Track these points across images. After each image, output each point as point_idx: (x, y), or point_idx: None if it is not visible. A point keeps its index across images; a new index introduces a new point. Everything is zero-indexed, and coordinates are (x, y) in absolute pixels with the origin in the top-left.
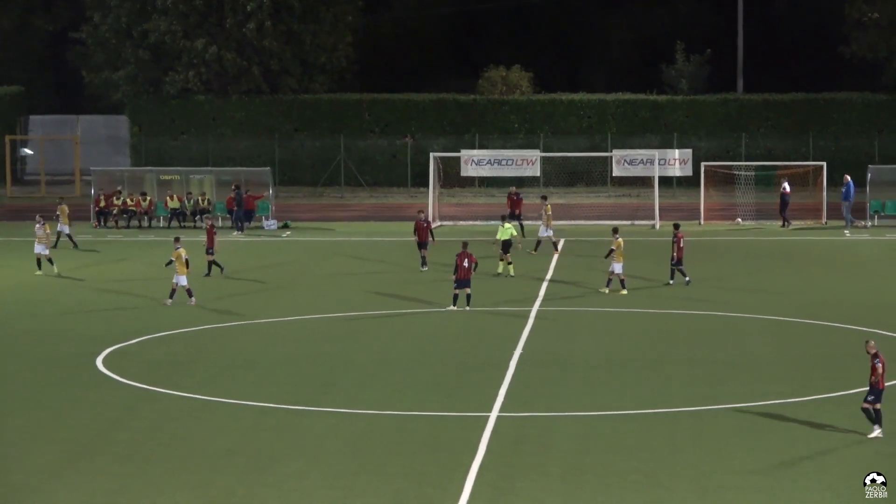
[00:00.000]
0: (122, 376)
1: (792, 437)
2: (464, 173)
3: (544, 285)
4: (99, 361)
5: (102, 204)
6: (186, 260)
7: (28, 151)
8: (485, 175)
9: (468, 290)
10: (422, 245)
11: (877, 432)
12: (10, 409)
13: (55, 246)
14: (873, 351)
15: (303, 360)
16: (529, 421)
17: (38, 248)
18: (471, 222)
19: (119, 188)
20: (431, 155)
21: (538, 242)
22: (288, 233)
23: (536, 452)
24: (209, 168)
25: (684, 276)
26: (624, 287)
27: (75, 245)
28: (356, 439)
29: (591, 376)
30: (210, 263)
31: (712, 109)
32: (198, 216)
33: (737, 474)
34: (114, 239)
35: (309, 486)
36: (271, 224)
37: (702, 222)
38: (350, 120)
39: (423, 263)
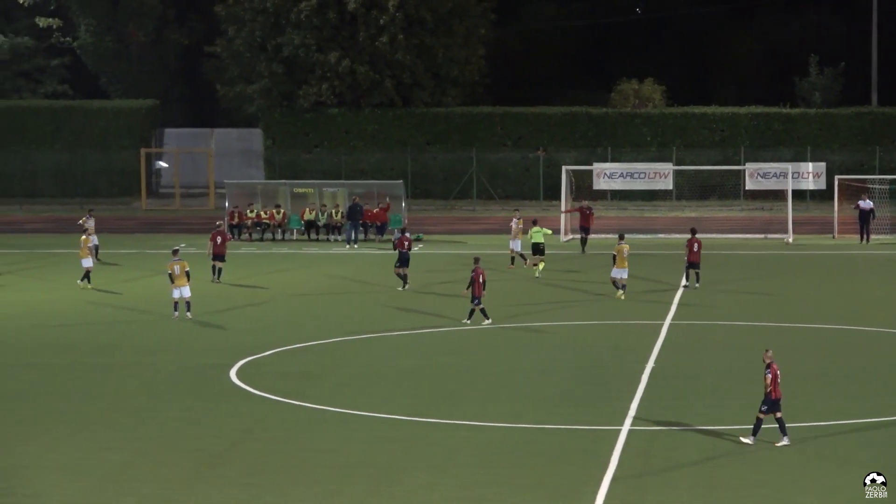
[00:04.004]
0: (254, 387)
1: None
2: (596, 187)
3: (676, 299)
4: (233, 373)
5: (236, 220)
6: (188, 272)
7: (163, 164)
8: (617, 188)
9: (482, 306)
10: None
11: (784, 441)
12: (144, 418)
13: (98, 259)
14: (768, 361)
15: (431, 372)
16: (660, 434)
17: (86, 262)
18: (602, 235)
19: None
20: (564, 168)
21: (517, 256)
22: (420, 245)
23: (667, 466)
24: (342, 181)
25: (686, 279)
26: (621, 291)
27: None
28: (485, 451)
29: (720, 389)
30: (215, 268)
31: (846, 123)
32: (331, 231)
33: (861, 488)
34: (247, 252)
35: (437, 498)
36: None
37: (835, 236)
38: (482, 133)
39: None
